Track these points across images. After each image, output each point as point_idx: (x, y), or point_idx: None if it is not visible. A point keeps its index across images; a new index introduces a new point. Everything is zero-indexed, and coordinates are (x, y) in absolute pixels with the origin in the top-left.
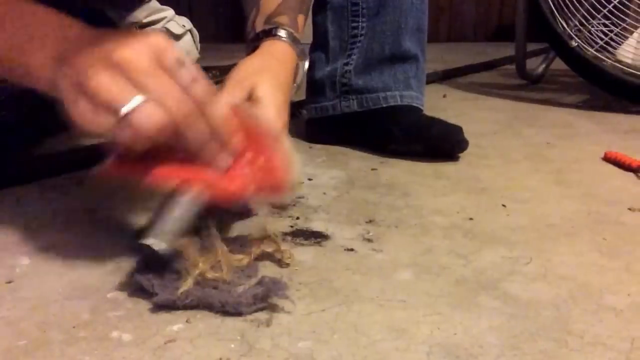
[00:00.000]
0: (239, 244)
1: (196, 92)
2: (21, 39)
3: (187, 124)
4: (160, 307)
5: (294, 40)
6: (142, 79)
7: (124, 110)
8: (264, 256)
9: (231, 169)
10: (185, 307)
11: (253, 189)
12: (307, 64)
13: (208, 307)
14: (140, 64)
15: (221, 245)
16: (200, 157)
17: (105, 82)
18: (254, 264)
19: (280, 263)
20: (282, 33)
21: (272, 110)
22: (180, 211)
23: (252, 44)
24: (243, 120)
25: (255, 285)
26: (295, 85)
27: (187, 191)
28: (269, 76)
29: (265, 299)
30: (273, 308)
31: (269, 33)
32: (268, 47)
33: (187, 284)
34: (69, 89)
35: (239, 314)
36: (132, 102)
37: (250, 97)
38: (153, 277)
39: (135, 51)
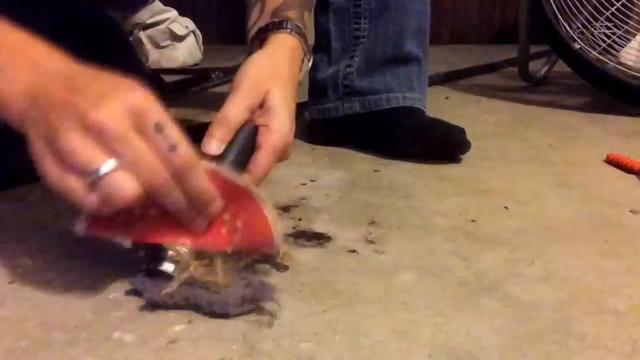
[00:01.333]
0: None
1: (175, 159)
2: None
3: (162, 193)
4: (157, 306)
5: (302, 35)
6: (116, 144)
7: (94, 176)
8: (262, 258)
9: (208, 231)
10: (172, 307)
11: (231, 250)
12: (310, 63)
13: (195, 307)
14: (116, 128)
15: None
16: (181, 217)
17: (75, 144)
18: (251, 266)
19: (278, 266)
20: (291, 26)
21: (287, 122)
22: None
23: (259, 35)
24: (220, 180)
25: (244, 287)
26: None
27: None
28: (282, 82)
29: (254, 301)
30: (261, 310)
31: (280, 26)
32: (277, 42)
33: (173, 285)
34: (37, 141)
35: (226, 315)
36: (102, 168)
37: (263, 103)
38: (146, 279)
39: (112, 113)
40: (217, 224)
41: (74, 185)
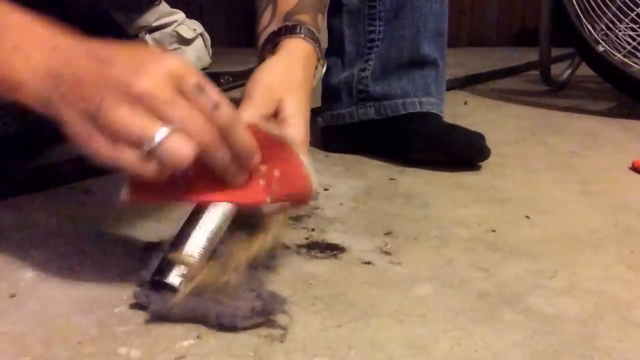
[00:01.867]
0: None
1: (219, 117)
2: (2, 49)
3: (212, 151)
4: (163, 319)
5: (316, 41)
6: (165, 110)
7: (151, 144)
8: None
9: (246, 184)
10: (179, 319)
11: (270, 200)
12: (324, 69)
13: (203, 319)
14: (162, 94)
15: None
16: (220, 175)
17: (124, 116)
18: (257, 278)
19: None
20: (305, 31)
21: (302, 132)
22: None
23: (272, 40)
24: (259, 134)
25: (254, 298)
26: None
27: (206, 216)
28: (296, 89)
29: (264, 313)
30: (272, 323)
31: (292, 30)
32: (291, 47)
33: (181, 294)
34: (76, 119)
35: (235, 327)
36: (157, 135)
37: (277, 112)
38: (151, 292)
39: (154, 80)
40: (255, 177)
41: (129, 157)
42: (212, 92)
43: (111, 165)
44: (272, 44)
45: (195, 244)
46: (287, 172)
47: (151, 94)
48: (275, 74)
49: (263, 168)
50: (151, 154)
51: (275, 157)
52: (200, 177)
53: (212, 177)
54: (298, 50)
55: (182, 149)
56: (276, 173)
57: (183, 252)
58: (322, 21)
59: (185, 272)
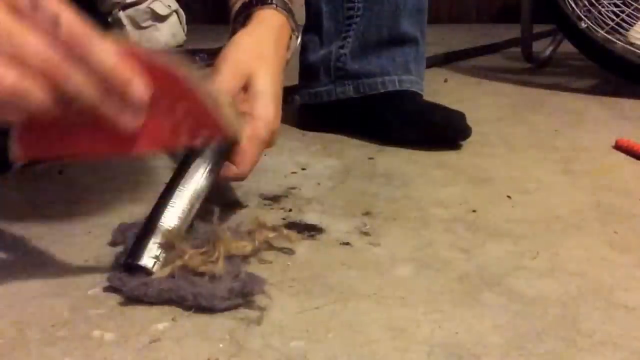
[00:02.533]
0: (239, 233)
1: (61, 34)
2: None
3: (55, 79)
4: (138, 301)
5: (289, 11)
6: None
7: None
8: (267, 244)
9: (146, 122)
10: (155, 301)
11: (183, 138)
12: (299, 41)
13: (180, 300)
14: None
15: (223, 232)
16: (103, 117)
17: None
18: (235, 260)
19: (284, 250)
20: (277, 1)
21: (272, 108)
22: (168, 225)
23: (243, 11)
24: (146, 61)
25: (232, 279)
26: (285, 62)
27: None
28: (267, 63)
29: (242, 295)
30: (250, 304)
31: (264, 1)
32: (262, 18)
33: (161, 273)
34: None
35: (212, 308)
36: None
37: (247, 88)
38: (124, 274)
39: None
40: (152, 121)
41: None
42: (51, 4)
43: None
44: (244, 15)
45: (167, 224)
46: (191, 109)
47: None
48: (244, 47)
49: (161, 109)
50: None
51: (170, 93)
52: (97, 126)
53: (101, 123)
54: (269, 21)
55: (6, 79)
56: (178, 113)
57: (156, 231)
58: None
59: (158, 254)
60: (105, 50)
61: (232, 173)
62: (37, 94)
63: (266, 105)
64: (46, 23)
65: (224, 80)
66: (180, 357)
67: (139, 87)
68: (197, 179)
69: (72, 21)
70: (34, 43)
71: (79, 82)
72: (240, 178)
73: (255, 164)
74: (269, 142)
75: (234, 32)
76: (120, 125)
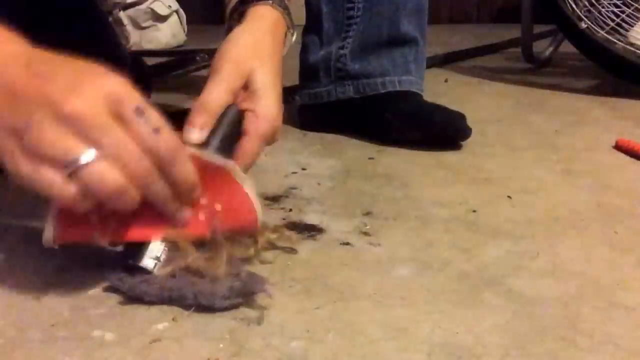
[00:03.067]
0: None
1: (158, 144)
2: None
3: (146, 183)
4: (139, 300)
5: (284, 7)
6: (95, 134)
7: (73, 166)
8: (270, 245)
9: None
10: (155, 300)
11: (211, 235)
12: (294, 37)
13: (180, 299)
14: (94, 117)
15: (225, 235)
16: (158, 210)
17: (51, 135)
18: (236, 259)
19: (286, 250)
20: None
21: (274, 105)
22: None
23: (238, 8)
24: (201, 163)
25: (232, 278)
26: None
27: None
28: (266, 61)
29: (243, 294)
30: (250, 304)
31: None
32: (258, 15)
33: (162, 272)
34: (1, 132)
35: (212, 307)
36: (82, 157)
37: (247, 86)
38: (124, 275)
39: (88, 102)
40: (195, 211)
41: (49, 177)
42: (153, 116)
43: (31, 188)
44: (239, 12)
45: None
46: (230, 205)
47: (83, 116)
48: (242, 45)
49: (204, 201)
50: (73, 176)
51: (218, 189)
52: (137, 211)
53: (148, 213)
54: (265, 17)
55: (107, 175)
56: (218, 207)
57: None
58: None
59: (159, 255)
60: (186, 163)
61: None
62: (133, 194)
63: (268, 103)
64: (146, 130)
65: (225, 79)
66: (181, 357)
67: (198, 192)
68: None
69: (168, 134)
70: (131, 146)
71: (160, 186)
72: None
73: (256, 159)
74: (271, 139)
75: (229, 29)
76: (171, 218)
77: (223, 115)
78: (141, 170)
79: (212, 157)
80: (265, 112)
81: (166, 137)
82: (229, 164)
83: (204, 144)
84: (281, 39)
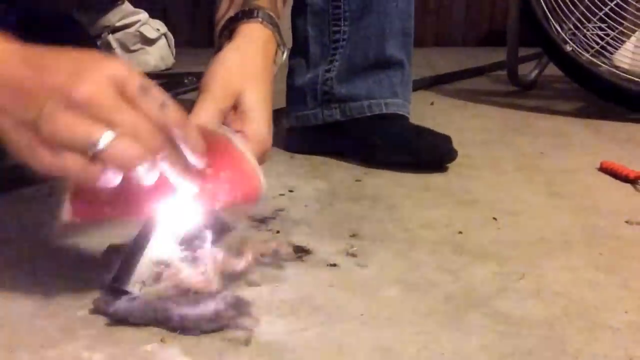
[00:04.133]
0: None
1: (167, 117)
2: None
3: (163, 155)
4: (123, 321)
5: (275, 25)
6: (109, 115)
7: (95, 148)
8: (260, 258)
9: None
10: (140, 321)
11: (221, 203)
12: (285, 54)
13: (165, 321)
14: (104, 100)
15: (214, 252)
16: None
17: (66, 123)
18: (221, 281)
19: (278, 259)
20: (262, 16)
21: (265, 127)
22: (155, 249)
23: (228, 26)
24: (205, 134)
25: (218, 301)
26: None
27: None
28: (256, 80)
29: (228, 317)
30: (236, 326)
31: (250, 15)
32: (248, 33)
33: (148, 292)
34: (15, 129)
35: (198, 330)
36: (103, 139)
37: (237, 106)
38: (110, 297)
39: (96, 86)
40: (202, 181)
41: (73, 163)
42: (157, 93)
43: (55, 174)
44: (229, 30)
45: (155, 246)
46: (235, 175)
47: (93, 100)
48: (232, 64)
49: (209, 171)
50: (96, 158)
51: (222, 159)
52: (143, 189)
53: (156, 187)
54: (255, 35)
55: (129, 151)
56: (223, 176)
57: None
58: (282, 7)
59: (145, 279)
60: (195, 132)
61: None
62: (155, 165)
63: (258, 125)
64: (153, 106)
65: (214, 99)
66: None
67: (205, 161)
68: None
69: (174, 107)
70: (144, 121)
71: (175, 157)
72: None
73: None
74: (261, 160)
75: (219, 48)
76: (185, 185)
77: None
78: (157, 143)
79: (217, 129)
80: (255, 133)
81: (172, 110)
82: (232, 134)
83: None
84: (272, 57)
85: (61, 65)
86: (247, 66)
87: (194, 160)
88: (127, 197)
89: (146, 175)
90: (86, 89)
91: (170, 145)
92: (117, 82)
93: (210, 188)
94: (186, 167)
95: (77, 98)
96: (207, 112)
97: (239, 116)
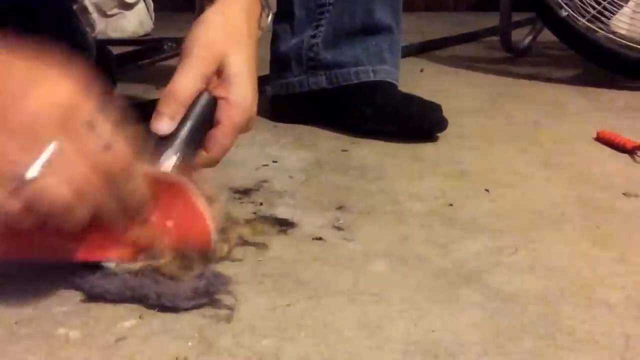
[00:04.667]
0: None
1: (108, 160)
2: None
3: (94, 201)
4: (99, 298)
5: None
6: (42, 146)
7: (17, 181)
8: (241, 241)
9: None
10: (117, 299)
11: (157, 254)
12: (270, 17)
13: (143, 298)
14: (42, 131)
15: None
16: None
17: None
18: (200, 256)
19: (259, 246)
20: None
21: (249, 92)
22: None
23: None
24: (154, 179)
25: (196, 278)
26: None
27: None
28: (240, 44)
29: (207, 294)
30: (215, 304)
31: None
32: None
33: (125, 270)
34: None
35: (175, 308)
36: (29, 172)
37: (220, 73)
38: (85, 272)
39: (36, 113)
40: (145, 227)
41: None
42: (106, 130)
43: None
44: None
45: None
46: (183, 222)
47: (29, 128)
48: (214, 27)
49: (155, 218)
50: (18, 192)
51: (171, 206)
52: (82, 230)
53: (96, 230)
54: None
55: (53, 191)
56: (170, 223)
57: None
58: None
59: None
60: (138, 181)
61: (202, 159)
62: (80, 211)
63: (243, 90)
64: (97, 145)
65: (196, 65)
66: (148, 356)
67: (147, 210)
68: (167, 171)
69: (121, 150)
70: (84, 165)
71: (109, 203)
72: (211, 164)
73: (228, 150)
74: (244, 128)
75: (201, 10)
76: (116, 234)
77: (194, 103)
78: (89, 187)
79: (166, 175)
80: (239, 100)
81: (117, 153)
82: (183, 181)
83: (172, 135)
84: (256, 20)
85: (9, 81)
86: (231, 29)
87: (134, 207)
88: (59, 239)
89: (71, 220)
90: (25, 115)
91: (105, 189)
92: (63, 112)
93: (152, 235)
94: (122, 215)
95: (14, 120)
96: (188, 77)
97: (222, 81)
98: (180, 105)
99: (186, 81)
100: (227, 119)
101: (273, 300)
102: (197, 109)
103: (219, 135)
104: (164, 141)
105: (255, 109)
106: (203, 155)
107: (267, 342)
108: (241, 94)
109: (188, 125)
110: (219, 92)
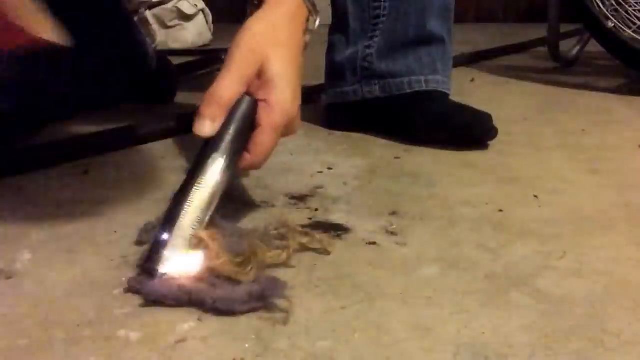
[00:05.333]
0: (268, 235)
1: None
2: None
3: None
4: (157, 303)
5: None
6: None
7: None
8: (302, 249)
9: None
10: (174, 303)
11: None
12: (317, 23)
13: (199, 302)
14: None
15: (257, 243)
16: None
17: None
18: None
19: (320, 252)
20: None
21: (289, 94)
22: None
23: None
24: None
25: (251, 282)
26: (303, 46)
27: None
28: (281, 48)
29: (262, 298)
30: (270, 308)
31: None
32: (277, 0)
33: (182, 274)
34: None
35: (231, 312)
36: None
37: (261, 75)
38: (143, 277)
39: None
40: None
41: None
42: None
43: None
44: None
45: (186, 225)
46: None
47: None
48: (257, 32)
49: None
50: None
51: None
52: None
53: None
54: (285, 2)
55: None
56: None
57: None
58: None
59: (177, 258)
60: None
61: (245, 162)
62: None
63: (282, 91)
64: None
65: (237, 67)
66: (206, 357)
67: None
68: (215, 174)
69: None
70: None
71: None
72: (254, 167)
73: (271, 152)
74: (287, 130)
75: (249, 15)
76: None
77: (236, 106)
78: None
79: None
80: (279, 102)
81: None
82: None
83: (215, 138)
84: (301, 24)
85: None
86: (274, 33)
87: None
88: None
89: None
90: None
91: None
92: None
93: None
94: None
95: None
96: (229, 80)
97: (262, 84)
98: (220, 107)
99: (226, 84)
100: (268, 121)
101: (328, 304)
102: (239, 111)
103: (260, 137)
104: (210, 144)
105: (295, 110)
106: (246, 158)
107: (322, 344)
108: (281, 96)
109: (231, 127)
110: (259, 95)
